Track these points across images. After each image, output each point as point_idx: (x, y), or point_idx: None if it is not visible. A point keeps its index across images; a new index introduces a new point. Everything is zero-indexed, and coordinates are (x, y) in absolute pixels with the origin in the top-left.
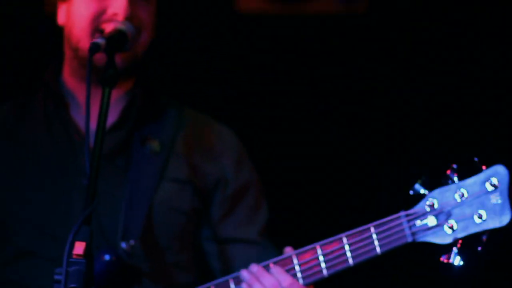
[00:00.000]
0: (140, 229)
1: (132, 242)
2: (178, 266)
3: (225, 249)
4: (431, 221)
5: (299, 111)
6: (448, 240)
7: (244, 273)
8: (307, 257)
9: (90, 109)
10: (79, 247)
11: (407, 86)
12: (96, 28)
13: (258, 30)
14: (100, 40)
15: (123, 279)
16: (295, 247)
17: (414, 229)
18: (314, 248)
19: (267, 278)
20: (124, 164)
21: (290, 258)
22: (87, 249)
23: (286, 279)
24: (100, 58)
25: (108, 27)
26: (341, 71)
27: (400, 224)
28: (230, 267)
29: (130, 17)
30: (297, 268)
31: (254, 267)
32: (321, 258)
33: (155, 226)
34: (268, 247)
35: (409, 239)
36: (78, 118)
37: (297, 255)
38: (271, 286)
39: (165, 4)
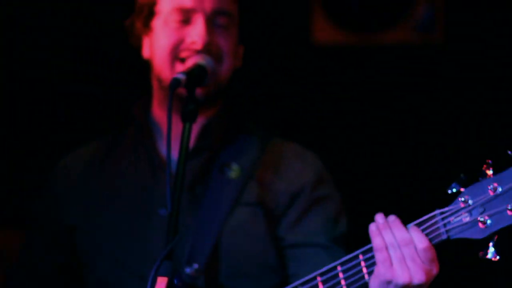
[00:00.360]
0: (207, 254)
1: (195, 266)
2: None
3: (296, 253)
4: (465, 217)
5: (375, 139)
6: (483, 235)
7: (378, 217)
8: None
9: (173, 139)
10: (161, 283)
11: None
12: (175, 57)
13: (334, 61)
14: (180, 76)
15: None
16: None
17: (448, 227)
18: None
19: (401, 232)
20: (202, 191)
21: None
22: (169, 285)
23: (422, 241)
24: (181, 91)
25: (188, 62)
26: (417, 99)
27: (435, 222)
28: (300, 272)
29: (208, 45)
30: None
31: (392, 217)
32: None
33: (225, 252)
34: (341, 253)
35: (444, 237)
36: (162, 148)
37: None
38: (402, 241)
39: (247, 33)
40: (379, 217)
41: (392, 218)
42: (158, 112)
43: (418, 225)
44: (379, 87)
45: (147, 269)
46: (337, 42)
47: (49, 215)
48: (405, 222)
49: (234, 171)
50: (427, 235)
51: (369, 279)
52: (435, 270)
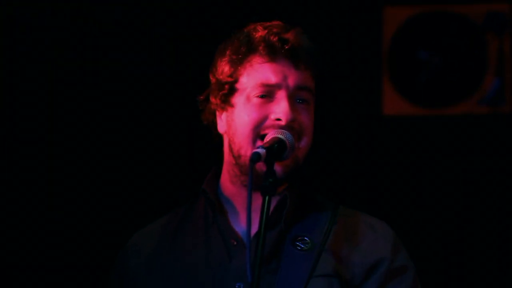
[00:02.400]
0: None
1: None
2: None
3: None
4: None
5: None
6: None
7: None
8: None
9: (246, 213)
10: None
11: None
12: (258, 135)
13: (403, 132)
14: (260, 150)
15: None
16: None
17: None
18: None
19: None
20: (276, 265)
21: None
22: None
23: None
24: (260, 166)
25: (267, 137)
26: (482, 170)
27: None
28: None
29: (292, 121)
30: None
31: None
32: None
33: None
34: None
35: None
36: (235, 224)
37: None
38: None
39: (322, 108)
40: None
41: None
42: (230, 187)
43: None
44: (446, 158)
45: None
46: (406, 114)
47: None
48: None
49: (306, 244)
50: None
51: None
52: None
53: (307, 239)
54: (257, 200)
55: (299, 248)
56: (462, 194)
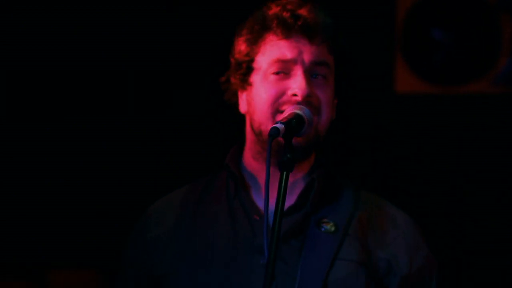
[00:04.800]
0: None
1: None
2: None
3: None
4: None
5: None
6: None
7: None
8: None
9: (270, 191)
10: None
11: None
12: (276, 110)
13: (414, 110)
14: (279, 125)
15: None
16: None
17: None
18: None
19: None
20: (299, 245)
21: None
22: None
23: None
24: (279, 141)
25: (285, 112)
26: (496, 150)
27: None
28: None
29: (308, 96)
30: None
31: None
32: None
33: None
34: None
35: None
36: (258, 199)
37: None
38: None
39: (343, 86)
40: None
41: None
42: (253, 163)
43: None
44: (458, 136)
45: None
46: (418, 92)
47: (140, 263)
48: None
49: (330, 227)
50: None
51: None
52: None
53: (331, 221)
54: (278, 177)
55: (323, 229)
56: (473, 172)
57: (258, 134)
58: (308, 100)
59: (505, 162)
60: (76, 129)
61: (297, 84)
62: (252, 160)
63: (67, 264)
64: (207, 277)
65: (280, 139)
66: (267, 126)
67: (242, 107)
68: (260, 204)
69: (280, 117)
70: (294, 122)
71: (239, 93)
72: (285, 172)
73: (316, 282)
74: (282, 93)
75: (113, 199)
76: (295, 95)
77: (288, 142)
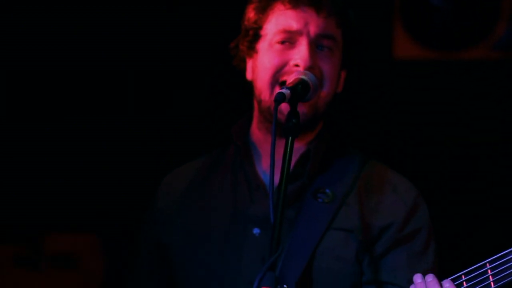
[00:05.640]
0: (298, 276)
1: (285, 286)
2: None
3: None
4: None
5: (451, 155)
6: None
7: (416, 277)
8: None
9: (269, 158)
10: None
11: None
12: (277, 81)
13: (414, 75)
14: (285, 91)
15: None
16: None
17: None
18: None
19: None
20: (293, 215)
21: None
22: None
23: None
24: (283, 108)
25: (290, 78)
26: (494, 115)
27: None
28: None
29: (311, 68)
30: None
31: (430, 277)
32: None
33: (316, 273)
34: None
35: None
36: (260, 169)
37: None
38: None
39: (351, 58)
40: (417, 277)
41: (430, 278)
42: (257, 133)
43: (453, 280)
44: (456, 101)
45: (239, 285)
46: (417, 57)
47: (150, 230)
48: None
49: (327, 197)
50: None
51: None
52: None
53: (328, 191)
54: (282, 146)
55: (320, 200)
56: (471, 137)
57: (259, 102)
58: (310, 72)
59: (502, 126)
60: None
61: (300, 55)
62: (256, 130)
63: (65, 229)
64: (203, 251)
65: (286, 105)
66: (266, 95)
67: (249, 74)
68: (262, 174)
69: (279, 88)
70: (299, 88)
71: (247, 60)
72: (290, 137)
73: (304, 254)
74: (285, 63)
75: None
76: (297, 65)
77: (294, 108)
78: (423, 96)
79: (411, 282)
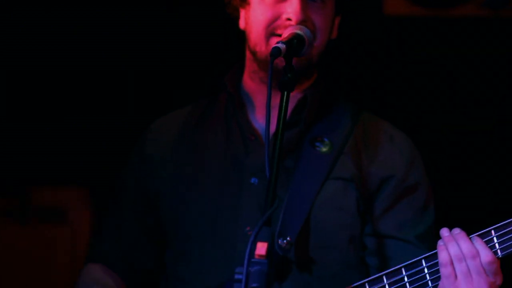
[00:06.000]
0: (299, 227)
1: (288, 238)
2: (334, 266)
3: (383, 245)
4: None
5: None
6: None
7: (443, 231)
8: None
9: (264, 110)
10: (262, 248)
11: None
12: (271, 33)
13: (404, 32)
14: (280, 45)
15: (276, 276)
16: None
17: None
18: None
19: (467, 244)
20: (292, 165)
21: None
22: (268, 250)
23: (488, 254)
24: (278, 62)
25: (286, 32)
26: (483, 73)
27: (500, 236)
28: (385, 265)
29: (303, 21)
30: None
31: (457, 230)
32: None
33: (316, 224)
34: (425, 251)
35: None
36: (254, 120)
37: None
38: (468, 253)
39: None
40: (444, 231)
41: (457, 230)
42: (250, 83)
43: (481, 236)
44: (447, 59)
45: (237, 236)
46: (407, 13)
47: (139, 178)
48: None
49: (325, 146)
50: (490, 247)
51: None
52: (498, 281)
53: (326, 140)
54: (276, 97)
55: (317, 148)
56: (460, 92)
57: (253, 53)
58: (303, 25)
59: (492, 83)
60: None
61: (292, 9)
62: (249, 80)
63: (53, 182)
64: (199, 198)
65: (281, 58)
66: (262, 47)
67: (242, 23)
68: (256, 124)
69: (274, 40)
70: (295, 42)
71: (240, 10)
72: (285, 92)
73: (304, 205)
74: (277, 17)
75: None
76: (289, 19)
77: (289, 62)
78: (413, 53)
79: (417, 237)
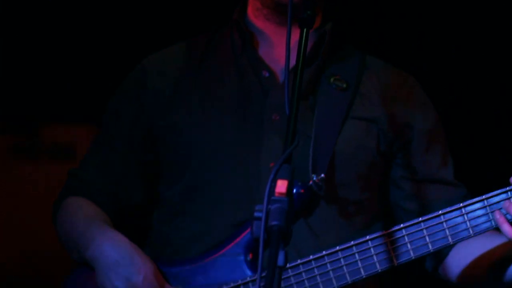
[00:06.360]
0: (327, 164)
1: (322, 175)
2: (358, 204)
3: (422, 189)
4: None
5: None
6: None
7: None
8: None
9: (278, 48)
10: (282, 186)
11: None
12: None
13: None
14: None
15: (307, 212)
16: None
17: None
18: None
19: None
20: (312, 101)
21: None
22: (289, 188)
23: None
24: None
25: None
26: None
27: None
28: (425, 208)
29: None
30: None
31: None
32: None
33: (340, 162)
34: (466, 191)
35: None
36: (265, 56)
37: None
38: None
39: None
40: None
41: None
42: (255, 21)
43: None
44: None
45: (260, 172)
46: None
47: (139, 111)
48: None
49: (342, 83)
50: None
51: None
52: None
53: (342, 78)
54: (285, 35)
55: (334, 86)
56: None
57: None
58: None
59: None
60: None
61: None
62: (253, 17)
63: (64, 119)
64: (216, 133)
65: None
66: None
67: None
68: (267, 60)
69: None
70: None
71: None
72: (305, 29)
73: (330, 140)
74: None
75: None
76: None
77: None
78: None
79: (452, 177)
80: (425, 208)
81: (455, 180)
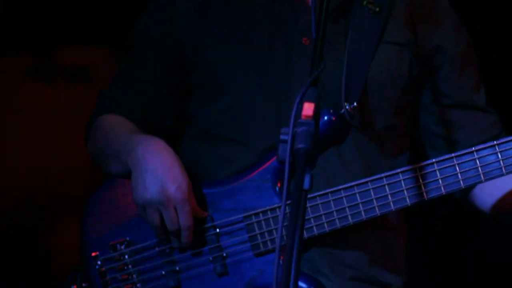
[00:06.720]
0: (360, 91)
1: (354, 104)
2: (389, 130)
3: (451, 114)
4: None
5: None
6: None
7: None
8: None
9: None
10: (308, 108)
11: None
12: None
13: None
14: None
15: (338, 139)
16: None
17: None
18: None
19: None
20: (344, 24)
21: None
22: (315, 110)
23: None
24: None
25: None
26: None
27: None
28: (452, 133)
29: None
30: None
31: None
32: None
33: (373, 88)
34: (497, 118)
35: None
36: None
37: None
38: None
39: None
40: None
41: None
42: None
43: None
44: None
45: (290, 94)
46: None
47: (168, 33)
48: None
49: (375, 7)
50: None
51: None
52: None
53: (375, 2)
54: None
55: (367, 9)
56: None
57: None
58: None
59: None
60: None
61: None
62: None
63: (80, 41)
64: (246, 54)
65: None
66: None
67: None
68: None
69: None
70: None
71: None
72: None
73: (363, 65)
74: None
75: None
76: None
77: None
78: None
79: (483, 106)
80: (456, 133)
81: (487, 106)
